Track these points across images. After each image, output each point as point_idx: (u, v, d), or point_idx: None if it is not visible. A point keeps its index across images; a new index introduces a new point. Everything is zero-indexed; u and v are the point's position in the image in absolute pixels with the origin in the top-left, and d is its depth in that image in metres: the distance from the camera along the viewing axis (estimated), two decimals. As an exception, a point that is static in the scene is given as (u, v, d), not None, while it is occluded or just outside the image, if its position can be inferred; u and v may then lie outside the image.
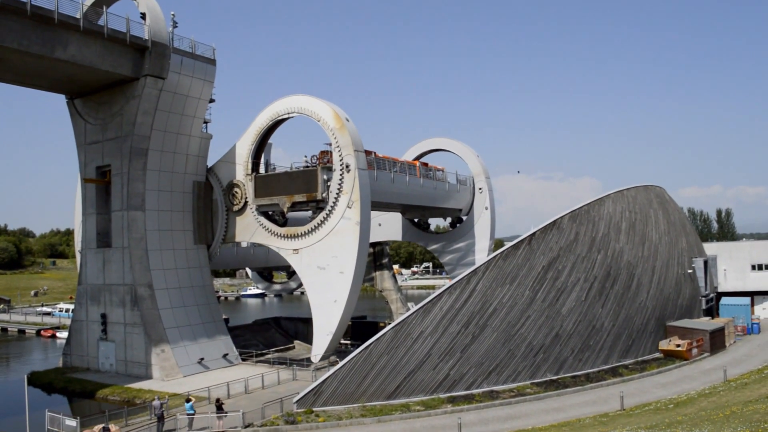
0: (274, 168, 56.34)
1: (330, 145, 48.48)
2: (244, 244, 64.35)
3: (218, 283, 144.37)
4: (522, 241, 41.91)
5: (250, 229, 52.49)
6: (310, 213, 54.48)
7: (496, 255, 40.99)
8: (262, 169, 54.72)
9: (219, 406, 33.84)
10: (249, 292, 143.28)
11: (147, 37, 46.78)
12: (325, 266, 48.30)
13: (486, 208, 70.47)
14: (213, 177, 54.08)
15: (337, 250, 47.72)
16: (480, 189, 71.08)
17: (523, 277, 40.99)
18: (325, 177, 48.00)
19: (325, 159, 49.40)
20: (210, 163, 54.78)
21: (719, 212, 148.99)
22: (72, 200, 63.68)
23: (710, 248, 68.84)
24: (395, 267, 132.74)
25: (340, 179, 47.30)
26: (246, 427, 32.80)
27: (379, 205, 61.15)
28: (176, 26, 49.52)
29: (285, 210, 50.61)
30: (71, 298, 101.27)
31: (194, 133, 52.44)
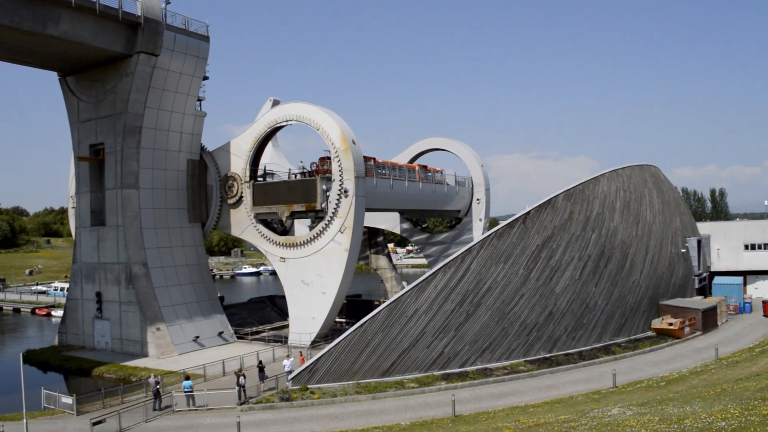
0: (273, 175, 55.86)
1: (329, 151, 48.04)
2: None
3: (213, 261, 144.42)
4: (516, 219, 41.97)
5: (242, 225, 52.40)
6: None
7: (491, 234, 41.05)
8: (263, 163, 54.41)
9: (261, 369, 35.19)
10: (244, 270, 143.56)
11: (140, 14, 46.23)
12: (309, 282, 48.40)
13: (480, 220, 69.27)
14: (210, 162, 53.66)
15: (323, 271, 47.71)
16: (478, 200, 69.69)
17: (517, 255, 41.12)
18: (324, 187, 47.39)
19: (324, 167, 48.66)
20: (203, 142, 54.57)
21: (713, 192, 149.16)
22: (66, 178, 63.46)
23: (704, 228, 69.10)
24: (390, 245, 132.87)
25: (337, 202, 46.64)
26: (242, 404, 33.04)
27: (377, 209, 60.84)
28: (169, 2, 48.95)
29: (284, 219, 50.45)
30: (66, 276, 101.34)
31: (188, 110, 52.10)
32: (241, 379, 33.63)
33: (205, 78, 53.82)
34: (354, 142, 47.22)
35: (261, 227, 51.09)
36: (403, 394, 34.60)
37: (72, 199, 57.34)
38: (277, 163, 70.44)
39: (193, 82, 51.67)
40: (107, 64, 48.39)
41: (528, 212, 42.46)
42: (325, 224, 47.26)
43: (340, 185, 46.50)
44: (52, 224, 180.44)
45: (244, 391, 33.65)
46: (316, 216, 48.72)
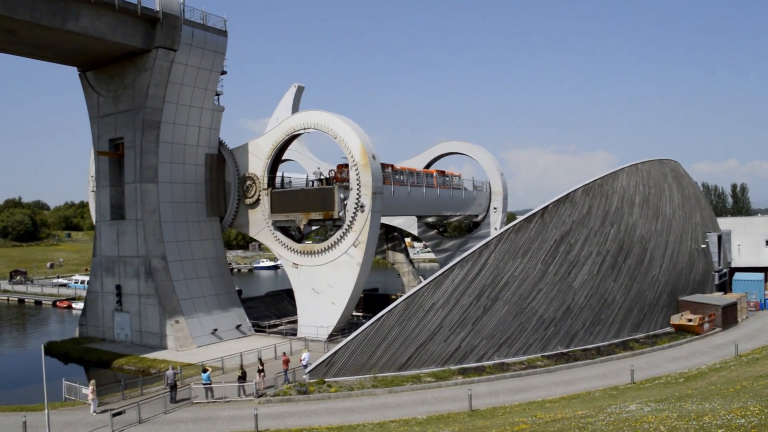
0: (290, 182, 55.63)
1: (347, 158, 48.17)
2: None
3: (231, 255, 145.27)
4: (534, 214, 41.78)
5: (258, 226, 52.86)
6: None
7: (509, 228, 40.91)
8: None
9: (260, 370, 34.90)
10: (262, 264, 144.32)
11: (158, 9, 46.58)
12: (319, 291, 48.90)
13: (495, 229, 68.15)
14: (230, 159, 53.94)
15: (334, 281, 48.13)
16: (495, 209, 68.82)
17: (535, 250, 40.94)
18: (342, 196, 47.51)
19: (342, 174, 48.95)
20: (220, 136, 54.84)
21: (734, 187, 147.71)
22: (86, 173, 64.11)
23: (724, 223, 68.32)
24: (407, 240, 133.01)
25: (353, 216, 46.84)
26: (259, 396, 33.28)
27: (394, 215, 60.43)
28: (187, -3, 49.17)
29: (301, 227, 50.99)
30: (86, 269, 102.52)
31: (206, 105, 52.40)
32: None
33: (223, 72, 54.07)
34: (374, 157, 47.19)
35: (279, 234, 51.57)
36: (420, 388, 34.64)
37: (92, 179, 58.02)
38: (298, 150, 70.38)
39: (211, 77, 51.93)
40: (126, 59, 48.80)
41: (546, 207, 42.23)
42: (340, 236, 47.56)
43: (357, 200, 46.60)
44: (72, 218, 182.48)
45: (244, 388, 33.91)
46: (334, 224, 49.03)
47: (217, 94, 54.44)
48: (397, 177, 53.82)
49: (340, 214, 47.49)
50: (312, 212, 49.01)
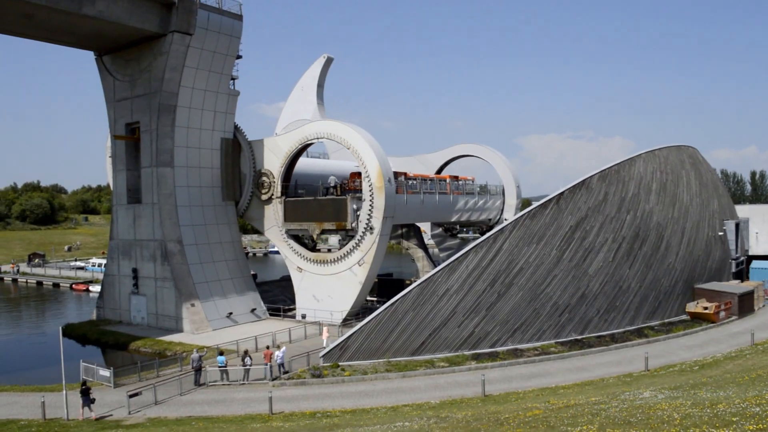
0: (303, 193, 55.25)
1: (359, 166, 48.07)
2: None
3: (246, 239, 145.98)
4: (550, 200, 41.55)
5: (269, 223, 53.34)
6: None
7: (524, 214, 40.74)
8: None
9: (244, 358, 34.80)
10: (276, 248, 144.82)
11: (174, -7, 46.53)
12: (320, 300, 49.47)
13: None
14: (247, 150, 53.98)
15: (335, 293, 48.67)
16: (506, 219, 66.87)
17: (550, 236, 40.77)
18: (354, 206, 47.58)
19: (355, 183, 49.24)
20: (235, 120, 54.94)
21: (753, 174, 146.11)
22: (103, 157, 64.52)
23: (742, 211, 67.63)
24: (421, 226, 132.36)
25: (362, 235, 47.05)
26: (273, 379, 33.56)
27: (408, 223, 60.35)
28: (203, -19, 49.06)
29: (314, 236, 51.33)
30: (103, 253, 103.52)
31: (221, 89, 52.43)
32: (247, 360, 34.13)
33: (238, 57, 54.05)
34: (390, 181, 47.14)
35: (291, 242, 52.09)
36: (433, 372, 34.78)
37: (109, 149, 58.73)
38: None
39: (226, 61, 51.93)
40: (142, 43, 48.91)
41: (562, 193, 41.99)
42: (347, 251, 47.93)
43: (368, 220, 46.68)
44: (89, 202, 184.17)
45: (248, 372, 34.05)
46: (347, 234, 49.22)
47: (233, 79, 54.48)
48: (410, 184, 53.59)
49: (353, 225, 47.71)
50: (325, 222, 49.30)
